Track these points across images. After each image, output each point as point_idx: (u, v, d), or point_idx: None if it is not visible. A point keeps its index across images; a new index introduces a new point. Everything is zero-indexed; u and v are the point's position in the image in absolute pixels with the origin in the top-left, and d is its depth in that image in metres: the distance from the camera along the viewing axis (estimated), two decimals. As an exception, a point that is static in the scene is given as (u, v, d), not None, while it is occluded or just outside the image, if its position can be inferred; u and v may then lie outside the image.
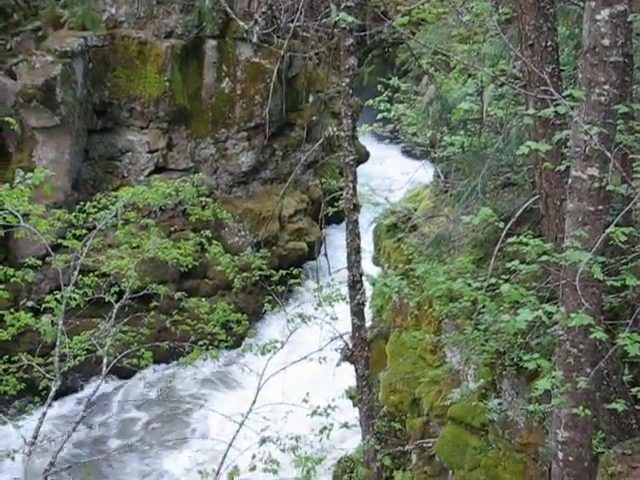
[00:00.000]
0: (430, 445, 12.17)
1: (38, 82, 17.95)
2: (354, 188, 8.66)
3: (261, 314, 17.94)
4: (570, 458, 7.37)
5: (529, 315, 6.05)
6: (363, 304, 9.18)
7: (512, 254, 8.89)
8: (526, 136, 9.18)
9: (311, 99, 21.89)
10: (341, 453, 13.20)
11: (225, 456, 8.83)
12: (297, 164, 18.41)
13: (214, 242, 10.96)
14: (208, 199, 11.05)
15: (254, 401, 9.37)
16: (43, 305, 9.73)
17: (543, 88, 7.27)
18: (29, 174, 8.76)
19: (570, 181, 6.40)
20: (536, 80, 7.72)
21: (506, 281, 6.99)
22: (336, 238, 15.72)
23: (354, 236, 8.70)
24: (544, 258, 6.62)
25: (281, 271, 10.89)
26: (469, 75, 11.10)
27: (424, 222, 13.07)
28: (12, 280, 9.49)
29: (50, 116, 18.13)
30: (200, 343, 10.47)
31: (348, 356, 11.22)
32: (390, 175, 19.48)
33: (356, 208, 8.67)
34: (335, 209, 11.48)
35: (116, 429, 16.79)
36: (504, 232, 7.82)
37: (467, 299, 9.07)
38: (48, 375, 9.27)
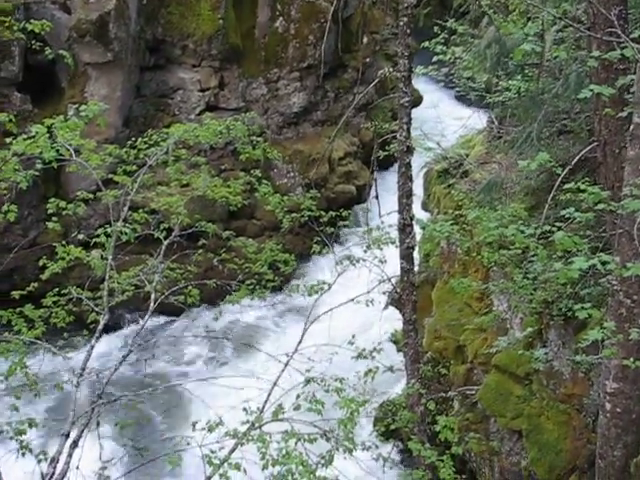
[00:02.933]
0: (473, 392, 12.17)
1: (92, 17, 17.91)
2: (408, 130, 8.53)
3: (308, 256, 17.91)
4: (618, 410, 7.32)
5: (584, 263, 5.93)
6: (412, 248, 9.11)
7: (566, 202, 8.76)
8: (586, 82, 8.97)
9: (365, 40, 21.63)
10: (383, 397, 13.22)
11: (269, 395, 8.85)
12: (349, 106, 18.27)
13: (264, 182, 10.90)
14: (259, 138, 10.97)
15: (300, 342, 9.37)
16: (93, 240, 9.75)
17: (609, 30, 7.06)
18: (83, 107, 8.71)
19: (632, 128, 6.25)
20: (601, 22, 7.51)
21: (559, 229, 6.88)
22: (385, 182, 15.59)
23: (406, 179, 8.60)
24: (600, 206, 6.50)
25: (330, 212, 10.82)
26: (528, 19, 10.86)
27: (476, 168, 12.93)
28: (64, 213, 9.51)
29: (103, 52, 18.12)
30: (247, 282, 10.46)
31: (395, 300, 11.19)
32: (443, 120, 19.26)
33: (409, 150, 8.56)
34: (386, 153, 11.36)
35: (162, 365, 16.98)
36: (559, 179, 7.70)
37: (518, 246, 8.96)
38: (97, 309, 9.32)
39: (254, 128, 11.07)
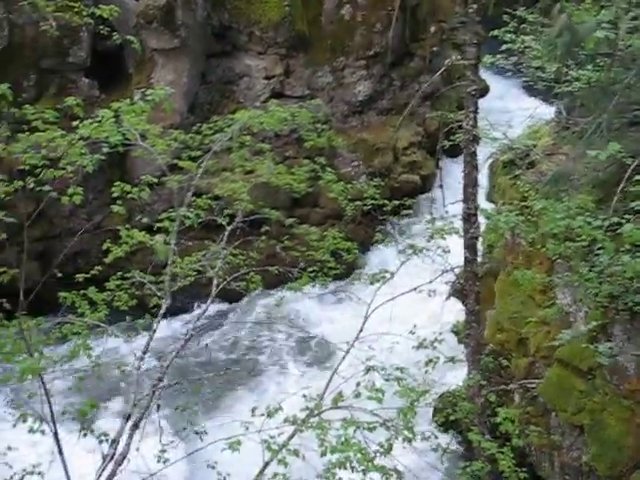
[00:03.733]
0: (534, 386, 12.03)
1: (159, 3, 18.03)
2: (474, 119, 8.44)
3: (370, 245, 17.90)
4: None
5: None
6: (477, 238, 9.02)
7: (635, 195, 8.59)
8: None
9: (433, 29, 21.44)
10: (443, 388, 13.15)
11: (329, 382, 8.84)
12: (415, 95, 18.14)
13: (328, 169, 10.87)
14: (324, 126, 10.93)
15: (360, 330, 9.34)
16: (156, 225, 9.81)
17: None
18: (149, 91, 8.75)
19: None
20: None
21: (628, 221, 6.75)
22: (450, 172, 15.46)
23: (471, 168, 8.51)
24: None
25: (394, 202, 10.76)
26: (602, 6, 10.64)
27: (543, 159, 12.73)
28: (129, 197, 9.58)
29: (170, 38, 18.23)
30: (309, 270, 10.44)
31: (458, 290, 11.10)
32: (510, 110, 19.07)
33: (475, 140, 8.47)
34: (451, 142, 11.26)
35: (223, 350, 17.07)
36: (629, 171, 7.54)
37: (584, 238, 8.81)
38: (159, 293, 9.38)
39: (319, 116, 11.04)
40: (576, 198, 10.36)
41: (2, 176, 8.18)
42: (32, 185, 8.30)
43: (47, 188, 8.28)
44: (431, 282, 9.62)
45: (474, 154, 8.56)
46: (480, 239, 10.01)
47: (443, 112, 13.19)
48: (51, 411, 8.15)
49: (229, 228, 10.18)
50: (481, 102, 10.44)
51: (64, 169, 8.45)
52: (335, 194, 10.60)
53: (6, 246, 8.06)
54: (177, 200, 9.64)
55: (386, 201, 10.70)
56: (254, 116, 10.33)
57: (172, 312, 16.73)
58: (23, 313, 8.01)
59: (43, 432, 8.22)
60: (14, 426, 8.22)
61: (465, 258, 9.25)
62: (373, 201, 10.63)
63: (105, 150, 8.62)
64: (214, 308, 17.13)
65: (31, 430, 8.23)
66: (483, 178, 13.09)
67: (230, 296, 17.15)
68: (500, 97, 23.29)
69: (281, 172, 10.62)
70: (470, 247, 9.15)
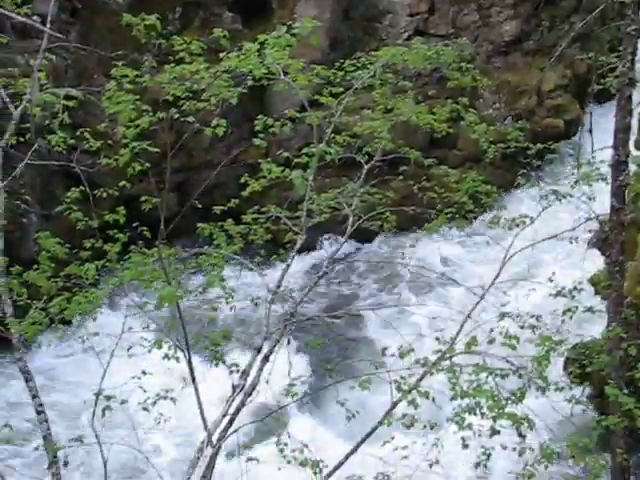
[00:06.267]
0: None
1: (304, -63, 17.87)
2: (632, 61, 8.04)
3: (509, 190, 17.54)
4: None
5: None
6: (625, 186, 8.66)
7: None
8: None
9: (587, -36, 20.62)
10: (577, 340, 12.84)
11: (462, 326, 8.72)
12: (564, 36, 17.54)
13: (470, 110, 10.61)
14: (469, 65, 10.65)
15: (497, 275, 9.14)
16: (294, 160, 9.80)
17: None
18: (296, 23, 8.69)
19: None
20: None
21: None
22: (597, 117, 14.91)
23: (625, 113, 8.14)
24: None
25: (538, 145, 10.44)
26: None
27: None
28: (271, 131, 9.58)
29: (315, -28, 18.09)
30: (446, 212, 10.27)
31: (600, 240, 10.76)
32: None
33: (631, 83, 8.06)
34: (601, 86, 10.85)
35: (354, 288, 17.11)
36: None
37: None
38: (295, 229, 9.39)
39: (464, 55, 10.76)
40: None
41: (146, 106, 8.26)
42: (176, 116, 8.38)
43: (191, 119, 8.36)
44: (574, 229, 9.32)
45: (629, 98, 8.18)
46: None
47: (593, 54, 12.70)
48: (186, 339, 8.30)
49: (367, 166, 10.08)
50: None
51: (207, 101, 8.50)
52: (477, 135, 10.35)
53: (149, 175, 8.17)
54: (316, 136, 9.59)
55: (530, 144, 10.40)
56: (398, 53, 10.14)
57: (305, 248, 16.86)
58: (162, 242, 8.14)
59: (177, 359, 8.39)
60: (149, 352, 8.42)
61: (611, 206, 8.90)
62: (516, 144, 10.34)
63: (249, 83, 8.64)
64: (347, 246, 17.09)
65: (166, 357, 8.42)
66: (635, 126, 12.60)
67: (363, 235, 17.11)
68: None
69: (422, 111, 10.43)
70: (618, 195, 8.79)
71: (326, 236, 18.11)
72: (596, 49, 16.66)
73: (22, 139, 9.94)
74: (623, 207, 8.98)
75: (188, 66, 8.49)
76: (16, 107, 9.67)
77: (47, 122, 9.94)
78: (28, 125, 9.81)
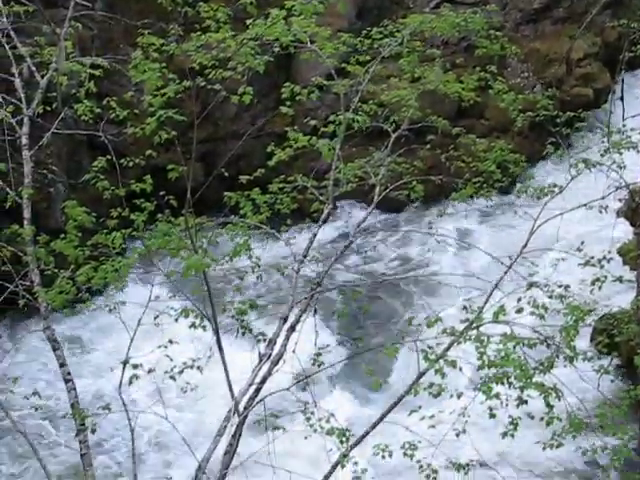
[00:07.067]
0: None
1: None
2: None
3: (537, 159, 17.42)
4: None
5: None
6: (657, 154, 8.54)
7: None
8: None
9: None
10: (605, 310, 12.78)
11: (489, 296, 8.68)
12: (595, 3, 17.33)
13: (499, 78, 10.51)
14: (497, 32, 10.54)
15: (525, 245, 9.08)
16: (322, 129, 9.76)
17: None
18: (322, -10, 8.64)
19: None
20: None
21: None
22: (628, 86, 14.73)
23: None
24: None
25: (568, 113, 10.32)
26: None
27: None
28: (297, 98, 9.53)
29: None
30: (474, 181, 10.19)
31: (632, 209, 10.65)
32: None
33: (664, 48, 7.93)
34: (632, 54, 10.72)
35: (381, 258, 17.05)
36: None
37: None
38: (321, 198, 9.37)
39: (493, 22, 10.64)
40: None
41: (173, 75, 8.23)
42: (202, 84, 8.35)
43: (217, 87, 8.33)
44: (603, 198, 9.20)
45: (661, 64, 8.06)
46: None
47: (625, 21, 12.52)
48: (212, 308, 8.31)
49: (394, 135, 10.03)
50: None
51: (233, 70, 8.46)
52: (505, 104, 10.25)
53: (176, 144, 8.16)
54: (343, 104, 9.55)
55: (560, 112, 10.29)
56: (426, 20, 10.05)
57: (333, 219, 16.83)
58: (189, 211, 8.14)
59: (204, 328, 8.41)
60: (176, 320, 8.44)
61: (643, 174, 8.82)
62: (546, 112, 10.23)
63: (276, 51, 8.59)
64: (374, 216, 17.03)
65: (192, 325, 8.44)
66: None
67: (391, 206, 17.07)
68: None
69: (449, 80, 10.35)
70: (649, 163, 8.70)
71: (354, 207, 18.06)
72: (628, 16, 16.46)
73: (49, 108, 9.95)
74: (654, 176, 8.88)
75: (214, 34, 8.45)
76: (43, 76, 9.68)
77: (74, 91, 9.95)
78: (55, 94, 9.82)
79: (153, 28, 9.36)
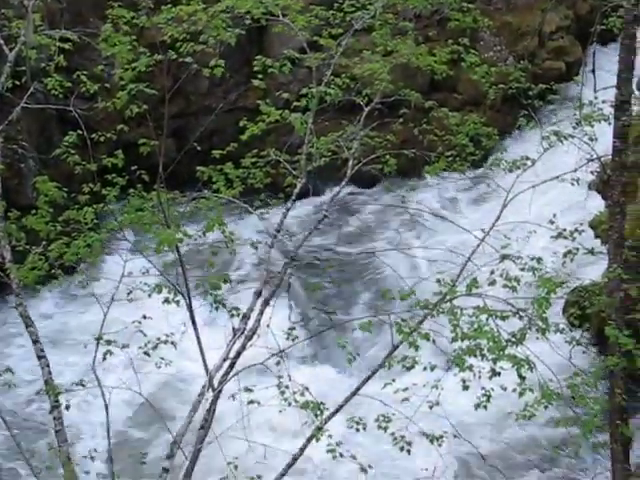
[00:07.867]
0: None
1: None
2: (637, -3, 7.91)
3: (509, 133, 17.44)
4: None
5: None
6: (628, 126, 8.58)
7: None
8: None
9: None
10: (577, 283, 12.86)
11: (462, 269, 8.72)
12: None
13: (471, 51, 10.50)
14: (470, 5, 10.52)
15: (497, 218, 9.12)
16: (294, 103, 9.72)
17: None
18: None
19: None
20: None
21: None
22: (599, 59, 14.73)
23: (629, 51, 8.03)
24: None
25: (540, 85, 10.34)
26: None
27: None
28: (269, 71, 9.48)
29: None
30: (447, 154, 10.20)
31: (602, 181, 10.70)
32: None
33: (636, 19, 7.94)
34: (604, 27, 10.71)
35: (354, 233, 17.04)
36: None
37: None
38: (294, 172, 9.34)
39: (465, -6, 10.60)
40: None
41: (144, 49, 8.16)
42: (174, 57, 8.29)
43: (189, 60, 8.27)
44: (576, 170, 9.24)
45: (633, 36, 8.07)
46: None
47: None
48: (186, 283, 8.30)
49: (367, 109, 10.00)
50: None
51: (205, 43, 8.40)
52: (477, 77, 10.25)
53: (147, 119, 8.10)
54: (316, 78, 9.51)
55: (532, 85, 10.30)
56: (399, -8, 10.02)
57: (305, 193, 16.74)
58: (161, 186, 8.10)
59: (178, 303, 8.38)
60: (149, 296, 8.42)
61: (614, 147, 8.83)
62: (518, 84, 10.25)
63: (247, 23, 8.53)
64: (348, 191, 17.01)
65: (166, 301, 8.42)
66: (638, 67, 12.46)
67: (364, 180, 17.00)
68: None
69: (422, 53, 10.33)
70: (620, 136, 8.71)
71: (327, 182, 18.02)
72: (599, -11, 16.48)
73: (18, 82, 9.83)
74: (625, 148, 8.91)
75: (185, 7, 8.39)
76: (11, 50, 9.56)
77: (43, 65, 9.85)
78: (24, 68, 9.71)
79: (123, 1, 9.23)
